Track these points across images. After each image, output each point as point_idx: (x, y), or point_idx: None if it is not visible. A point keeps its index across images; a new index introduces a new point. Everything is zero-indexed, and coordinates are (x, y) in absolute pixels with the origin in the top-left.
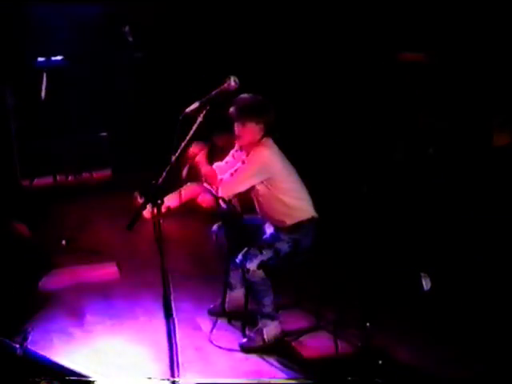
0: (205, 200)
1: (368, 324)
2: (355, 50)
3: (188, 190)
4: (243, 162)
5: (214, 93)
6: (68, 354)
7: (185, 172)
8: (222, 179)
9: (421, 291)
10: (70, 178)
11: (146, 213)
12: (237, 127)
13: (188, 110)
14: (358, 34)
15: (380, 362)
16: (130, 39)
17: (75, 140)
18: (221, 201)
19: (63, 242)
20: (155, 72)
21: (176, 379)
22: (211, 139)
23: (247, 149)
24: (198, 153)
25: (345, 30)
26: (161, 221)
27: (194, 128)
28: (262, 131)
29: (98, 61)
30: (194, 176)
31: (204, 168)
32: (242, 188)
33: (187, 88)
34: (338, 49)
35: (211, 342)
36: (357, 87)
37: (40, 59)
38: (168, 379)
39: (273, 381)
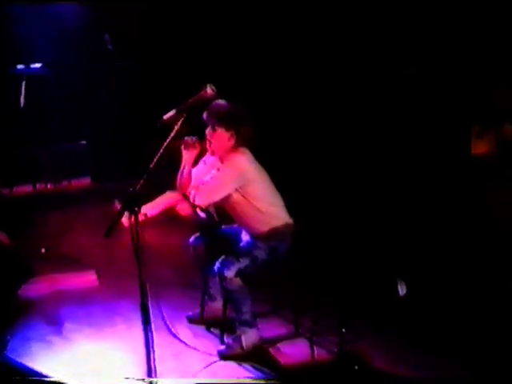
0: (183, 208)
1: (344, 330)
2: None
3: (167, 198)
4: (218, 170)
5: (190, 100)
6: (47, 362)
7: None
8: (198, 187)
9: (396, 297)
10: (49, 186)
11: (125, 221)
12: (207, 132)
13: (165, 117)
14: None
15: (356, 367)
16: (110, 47)
17: (55, 148)
18: (198, 209)
19: (43, 250)
20: (135, 80)
21: (154, 379)
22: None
23: (222, 156)
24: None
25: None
26: (138, 229)
27: (171, 135)
28: (232, 139)
29: (78, 69)
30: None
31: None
32: (218, 196)
33: (167, 96)
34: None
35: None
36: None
37: (19, 66)
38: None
39: (271, 381)
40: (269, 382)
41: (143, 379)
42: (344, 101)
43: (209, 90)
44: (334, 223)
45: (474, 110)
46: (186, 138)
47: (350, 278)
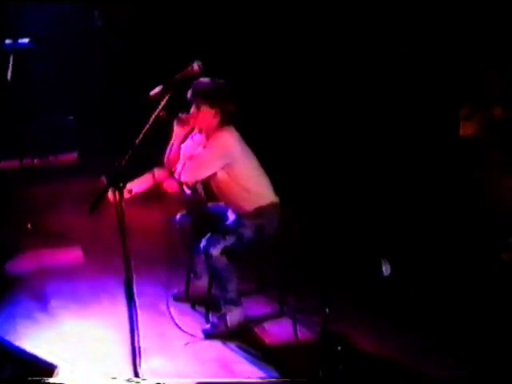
0: (170, 185)
1: (327, 309)
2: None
3: (153, 175)
4: (204, 147)
5: (177, 76)
6: (32, 339)
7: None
8: (184, 164)
9: (381, 276)
10: (36, 161)
11: (111, 196)
12: (192, 109)
13: (151, 93)
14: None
15: (339, 348)
16: (99, 23)
17: (42, 123)
18: (185, 187)
19: (28, 226)
20: (123, 55)
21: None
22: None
23: (207, 133)
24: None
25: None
26: (123, 204)
27: (157, 111)
28: (217, 117)
29: (66, 44)
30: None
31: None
32: (203, 174)
33: (155, 71)
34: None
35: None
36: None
37: (7, 41)
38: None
39: (268, 380)
40: (269, 382)
41: (130, 379)
42: (332, 79)
43: (195, 66)
44: (321, 201)
45: (463, 91)
46: (180, 113)
47: (335, 257)
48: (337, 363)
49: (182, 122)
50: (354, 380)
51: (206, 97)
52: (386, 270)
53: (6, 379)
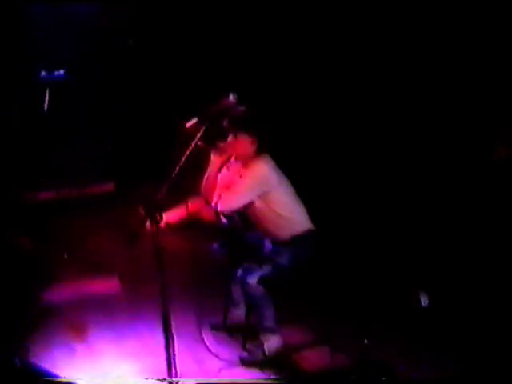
0: (208, 214)
1: (366, 341)
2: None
3: (193, 204)
4: (241, 176)
5: (212, 108)
6: (69, 369)
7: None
8: (221, 194)
9: (419, 308)
10: (73, 191)
11: (148, 226)
12: (229, 138)
13: (187, 125)
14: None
15: (383, 378)
16: (133, 50)
17: (78, 153)
18: (222, 216)
19: (65, 256)
20: (156, 83)
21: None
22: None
23: (244, 162)
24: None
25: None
26: (159, 236)
27: (193, 143)
28: (254, 144)
29: (101, 73)
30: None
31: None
32: (241, 202)
33: (189, 99)
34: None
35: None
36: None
37: (43, 73)
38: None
39: (271, 381)
40: (270, 382)
41: (163, 379)
42: (365, 97)
43: (231, 98)
44: (355, 230)
45: (501, 113)
46: (216, 143)
47: (373, 288)
48: None
49: (219, 151)
50: None
51: (244, 125)
52: (424, 301)
53: None
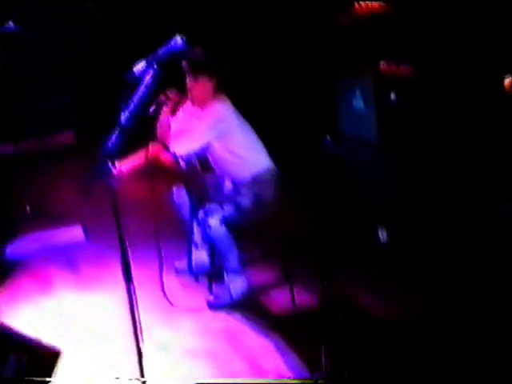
0: (166, 158)
1: (326, 283)
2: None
3: (151, 150)
4: (197, 118)
5: (160, 52)
6: (35, 324)
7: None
8: (177, 137)
9: (378, 243)
10: (32, 143)
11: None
12: (189, 82)
13: (135, 69)
14: None
15: (340, 318)
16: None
17: (36, 104)
18: (180, 160)
19: (27, 208)
20: (114, 31)
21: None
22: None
23: (200, 104)
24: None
25: None
26: (115, 184)
27: (143, 88)
28: (213, 85)
29: (55, 23)
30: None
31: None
32: (199, 144)
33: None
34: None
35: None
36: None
37: None
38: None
39: (274, 381)
40: (271, 382)
41: (136, 379)
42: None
43: (179, 39)
44: (321, 169)
45: None
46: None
47: (333, 225)
48: (339, 333)
49: (169, 96)
50: (357, 349)
51: (204, 66)
52: (382, 236)
53: (12, 368)
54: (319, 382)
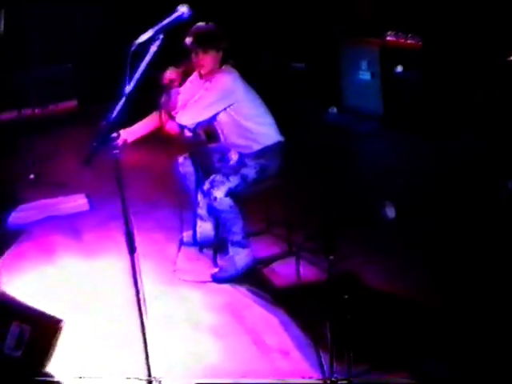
0: (172, 128)
1: (331, 257)
2: None
3: (151, 120)
4: (206, 89)
5: (166, 21)
6: (38, 293)
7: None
8: (184, 107)
9: (385, 219)
10: (35, 110)
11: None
12: (198, 56)
13: (140, 39)
14: None
15: (346, 296)
16: None
17: (40, 72)
18: (186, 130)
19: (31, 176)
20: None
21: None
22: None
23: (208, 76)
24: (174, 78)
25: None
26: (118, 155)
27: (148, 57)
28: (222, 58)
29: None
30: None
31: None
32: (205, 115)
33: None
34: None
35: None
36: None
37: None
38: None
39: (276, 381)
40: (271, 382)
41: (144, 379)
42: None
43: (185, 9)
44: (329, 142)
45: None
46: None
47: (339, 199)
48: (344, 312)
49: (178, 67)
50: (362, 327)
51: (213, 40)
52: (390, 212)
53: (17, 337)
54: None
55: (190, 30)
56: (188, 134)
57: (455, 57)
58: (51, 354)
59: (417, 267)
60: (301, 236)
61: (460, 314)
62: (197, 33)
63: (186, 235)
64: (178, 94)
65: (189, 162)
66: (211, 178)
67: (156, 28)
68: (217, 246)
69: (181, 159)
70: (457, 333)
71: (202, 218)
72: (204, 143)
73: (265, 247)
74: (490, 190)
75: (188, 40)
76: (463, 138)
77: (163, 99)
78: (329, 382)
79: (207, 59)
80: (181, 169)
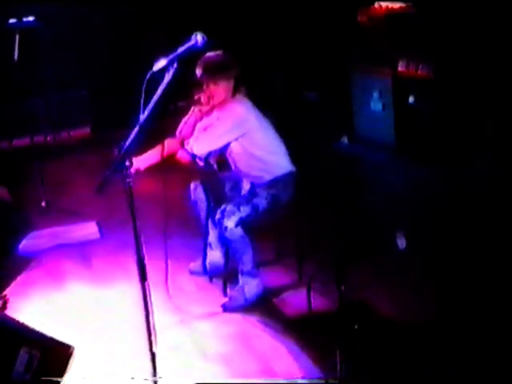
0: (184, 156)
1: (342, 287)
2: None
3: (168, 146)
4: (218, 119)
5: (180, 50)
6: (48, 320)
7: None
8: (197, 137)
9: (396, 250)
10: (48, 137)
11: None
12: (209, 87)
13: (155, 68)
14: None
15: (356, 326)
16: None
17: (52, 99)
18: (197, 159)
19: (43, 204)
20: (134, 28)
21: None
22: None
23: (220, 107)
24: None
25: None
26: (131, 183)
27: (163, 86)
28: (232, 88)
29: (73, 19)
30: None
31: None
32: (217, 145)
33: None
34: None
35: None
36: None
37: (11, 21)
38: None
39: (276, 381)
40: (271, 382)
41: (148, 379)
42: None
43: (200, 38)
44: (339, 171)
45: None
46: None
47: (351, 230)
48: (354, 342)
49: (200, 102)
50: (371, 357)
51: (223, 70)
52: (401, 243)
53: (24, 364)
54: (330, 382)
55: (199, 60)
56: (200, 163)
57: (466, 84)
58: (61, 381)
59: (429, 298)
60: (311, 266)
61: (475, 344)
62: (206, 64)
63: (194, 265)
64: (195, 126)
65: (200, 189)
66: (222, 207)
67: (170, 57)
68: (226, 275)
69: (192, 185)
70: (472, 364)
71: (211, 247)
72: (216, 173)
73: (275, 277)
74: (503, 216)
75: (198, 71)
76: (476, 164)
77: (181, 127)
78: (329, 381)
79: (219, 90)
80: (192, 195)
